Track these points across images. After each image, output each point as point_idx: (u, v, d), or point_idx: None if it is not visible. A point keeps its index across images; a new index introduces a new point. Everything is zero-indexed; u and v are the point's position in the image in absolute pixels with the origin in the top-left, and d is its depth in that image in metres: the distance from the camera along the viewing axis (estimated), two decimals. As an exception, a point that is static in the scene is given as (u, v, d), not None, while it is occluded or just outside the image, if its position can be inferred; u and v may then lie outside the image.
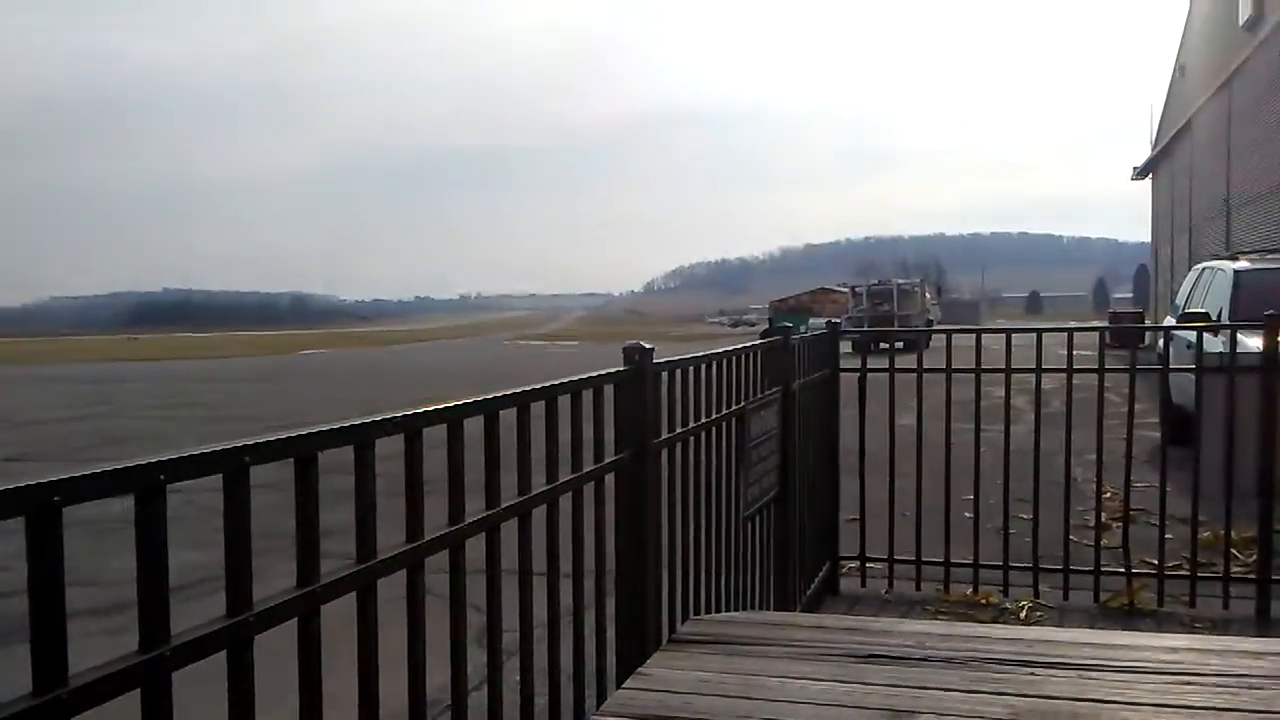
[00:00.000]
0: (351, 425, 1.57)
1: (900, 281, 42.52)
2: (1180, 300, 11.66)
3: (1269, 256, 10.49)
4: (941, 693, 2.23)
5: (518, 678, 2.20)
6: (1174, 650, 2.52)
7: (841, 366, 5.54)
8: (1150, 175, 35.69)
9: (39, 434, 14.46)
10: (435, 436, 1.81)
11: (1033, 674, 2.34)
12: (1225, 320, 8.53)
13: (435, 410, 1.78)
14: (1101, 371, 5.03)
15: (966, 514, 5.41)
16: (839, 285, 61.77)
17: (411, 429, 1.72)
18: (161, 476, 1.20)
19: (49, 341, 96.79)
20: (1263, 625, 4.72)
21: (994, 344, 5.23)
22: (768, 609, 4.08)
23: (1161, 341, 9.38)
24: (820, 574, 5.24)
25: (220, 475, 1.33)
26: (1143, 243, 42.22)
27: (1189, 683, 2.28)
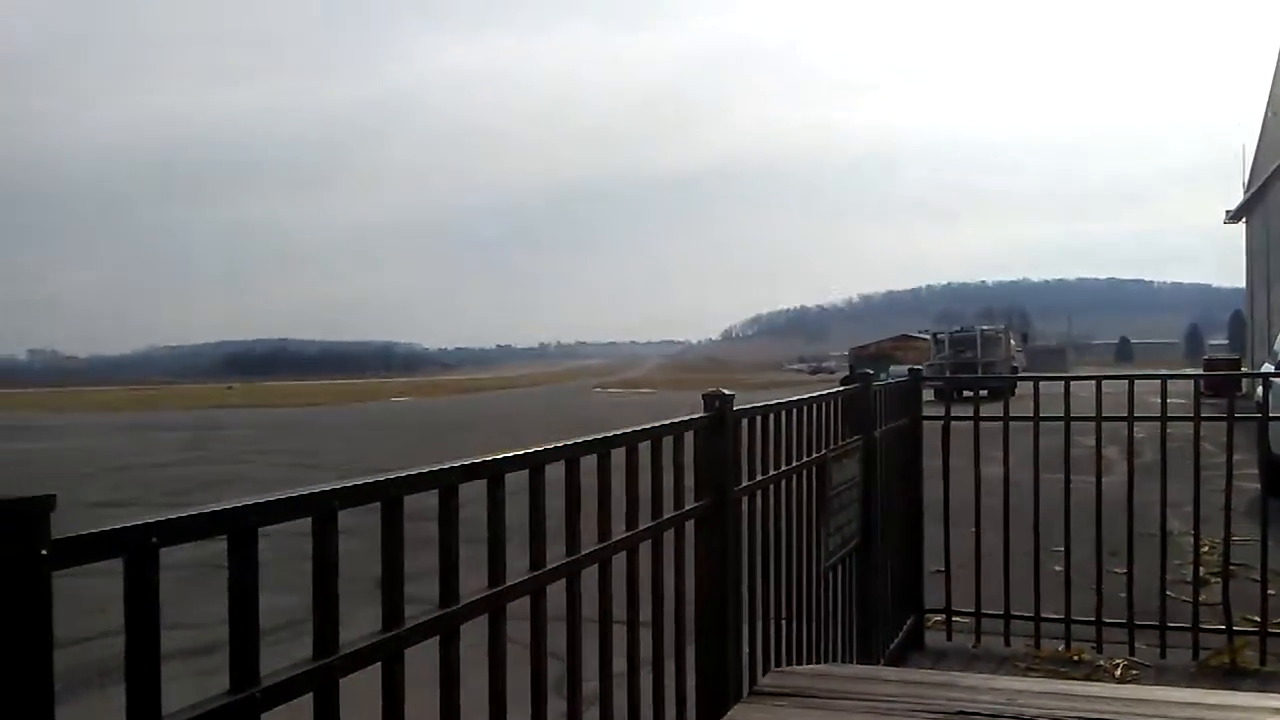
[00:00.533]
0: (437, 470, 1.59)
1: (984, 328, 41.76)
2: (1279, 346, 11.27)
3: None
4: (1034, 752, 2.16)
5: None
6: (1279, 711, 2.40)
7: (924, 414, 5.45)
8: (1244, 218, 34.71)
9: (132, 478, 14.91)
10: (514, 483, 1.82)
11: (1131, 735, 2.25)
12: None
13: (518, 455, 1.80)
14: (1198, 420, 4.87)
15: (1056, 567, 5.26)
16: (920, 332, 60.98)
17: (495, 474, 1.74)
18: (254, 519, 1.23)
19: (151, 389, 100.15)
20: (1376, 687, 4.48)
21: (1080, 393, 5.10)
22: (850, 662, 4.00)
23: (1260, 389, 9.06)
24: (904, 627, 5.12)
25: (309, 519, 1.36)
26: (1237, 288, 40.94)
27: (1298, 747, 2.17)
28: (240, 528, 1.23)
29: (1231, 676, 4.69)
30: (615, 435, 2.19)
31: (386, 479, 1.48)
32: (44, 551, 0.97)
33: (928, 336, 46.84)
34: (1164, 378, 5.07)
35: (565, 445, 1.98)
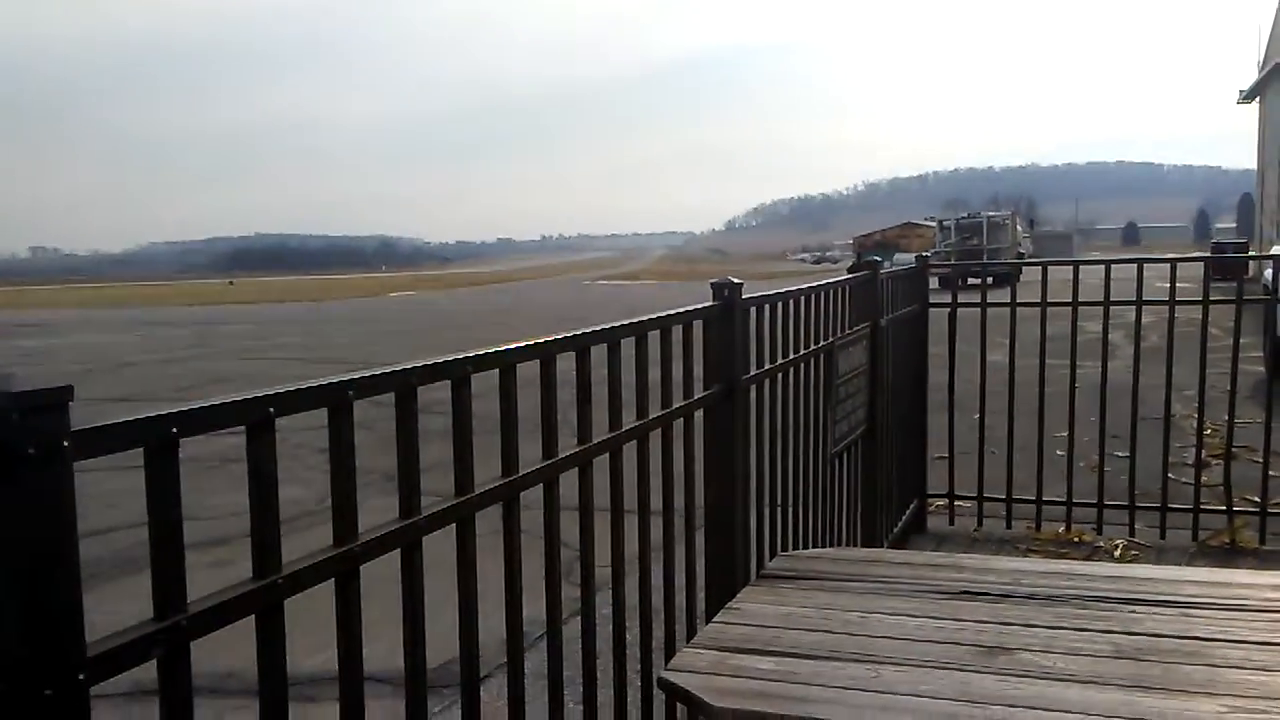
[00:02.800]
0: (449, 360, 1.59)
1: (990, 214, 41.28)
2: (1289, 229, 11.16)
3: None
4: (1039, 629, 2.21)
5: (608, 611, 2.24)
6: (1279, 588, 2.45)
7: (931, 302, 5.44)
8: (1258, 99, 34.03)
9: (142, 374, 15.00)
10: (523, 376, 1.82)
11: (1134, 612, 2.30)
12: (1338, 250, 8.16)
13: (529, 346, 1.80)
14: (1206, 303, 4.84)
15: (1059, 452, 5.31)
16: (926, 219, 60.45)
17: (506, 364, 1.74)
18: (271, 409, 1.24)
19: (150, 286, 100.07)
20: (1372, 565, 4.56)
21: (1087, 279, 5.07)
22: (855, 546, 4.07)
23: (1269, 272, 9.01)
24: (908, 512, 5.20)
25: (325, 409, 1.36)
26: (1248, 170, 40.36)
27: (1297, 622, 2.21)
28: (258, 418, 1.23)
29: (1231, 555, 4.77)
30: (624, 324, 2.18)
31: (400, 369, 1.49)
32: (65, 442, 0.98)
33: (933, 224, 46.41)
34: (1173, 261, 5.03)
35: (575, 335, 1.98)
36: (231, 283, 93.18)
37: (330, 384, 1.35)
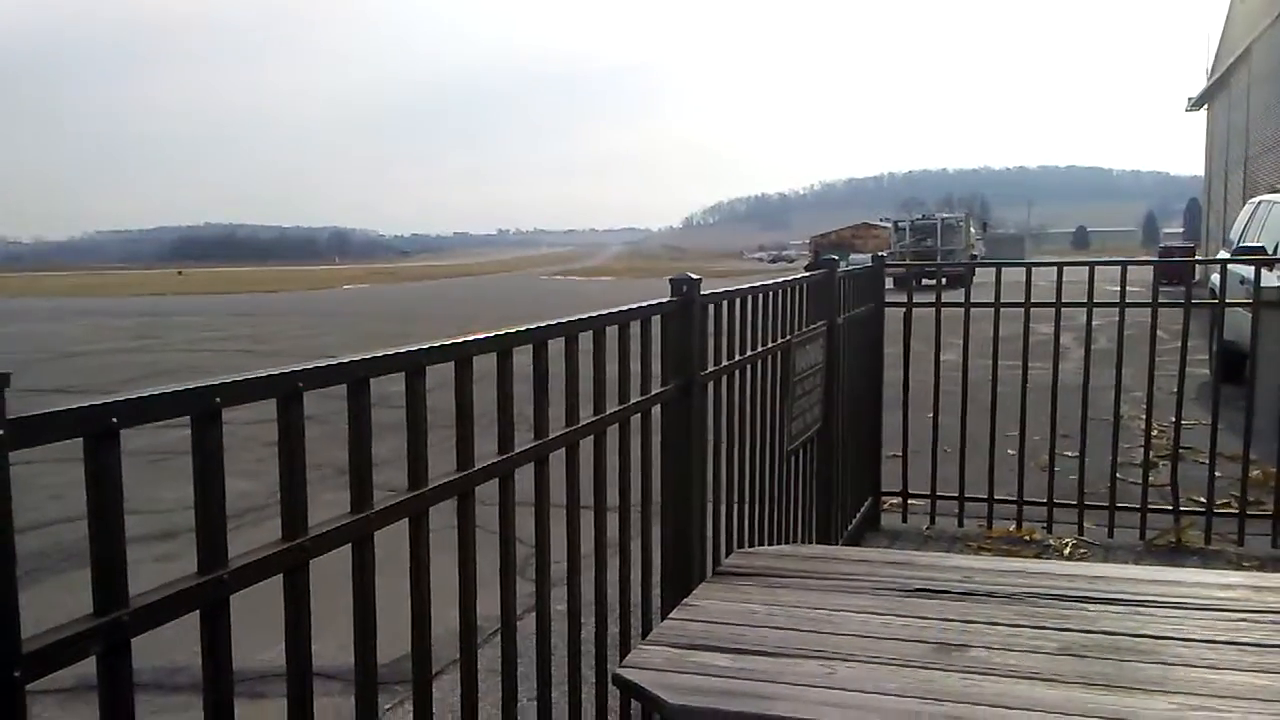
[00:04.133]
0: (403, 352, 1.56)
1: (944, 216, 41.81)
2: (1235, 235, 11.39)
3: (1329, 190, 10.19)
4: (993, 626, 2.22)
5: (562, 608, 2.21)
6: (1229, 587, 2.48)
7: (886, 301, 5.47)
8: (1206, 106, 34.71)
9: (85, 365, 14.71)
10: (479, 370, 1.79)
11: (1085, 609, 2.32)
12: (1282, 255, 8.33)
13: (485, 338, 1.77)
14: (1155, 306, 4.92)
15: (1010, 451, 5.37)
16: (881, 220, 60.93)
17: (462, 356, 1.71)
18: (218, 399, 1.20)
19: (96, 275, 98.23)
20: (1313, 564, 4.66)
21: (1038, 281, 5.12)
22: (810, 543, 4.07)
23: (1215, 277, 9.18)
24: (862, 509, 5.23)
25: (274, 400, 1.32)
26: (1196, 176, 41.16)
27: (1245, 619, 2.24)
28: (204, 408, 1.19)
29: (1177, 555, 4.85)
30: (582, 319, 2.16)
31: (353, 360, 1.45)
32: (1, 431, 0.93)
33: (889, 224, 46.83)
34: (1123, 264, 5.10)
35: (533, 328, 1.95)
36: (181, 272, 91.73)
37: (280, 374, 1.31)
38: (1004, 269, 5.34)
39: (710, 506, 2.96)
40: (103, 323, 24.60)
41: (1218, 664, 2.01)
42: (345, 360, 1.44)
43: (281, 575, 1.34)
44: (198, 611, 1.20)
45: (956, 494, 5.32)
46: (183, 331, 21.22)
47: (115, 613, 1.08)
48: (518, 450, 1.91)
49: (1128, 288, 4.86)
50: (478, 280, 63.20)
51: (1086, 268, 5.05)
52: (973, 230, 41.87)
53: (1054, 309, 5.04)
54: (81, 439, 1.05)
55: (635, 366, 2.47)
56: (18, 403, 0.98)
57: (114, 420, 1.06)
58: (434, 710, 1.67)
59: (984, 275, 5.57)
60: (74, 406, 1.03)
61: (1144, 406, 5.15)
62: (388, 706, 3.29)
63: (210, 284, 58.29)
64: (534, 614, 2.10)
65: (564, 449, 2.11)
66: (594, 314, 2.22)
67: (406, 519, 1.60)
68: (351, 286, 52.15)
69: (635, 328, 2.45)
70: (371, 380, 1.49)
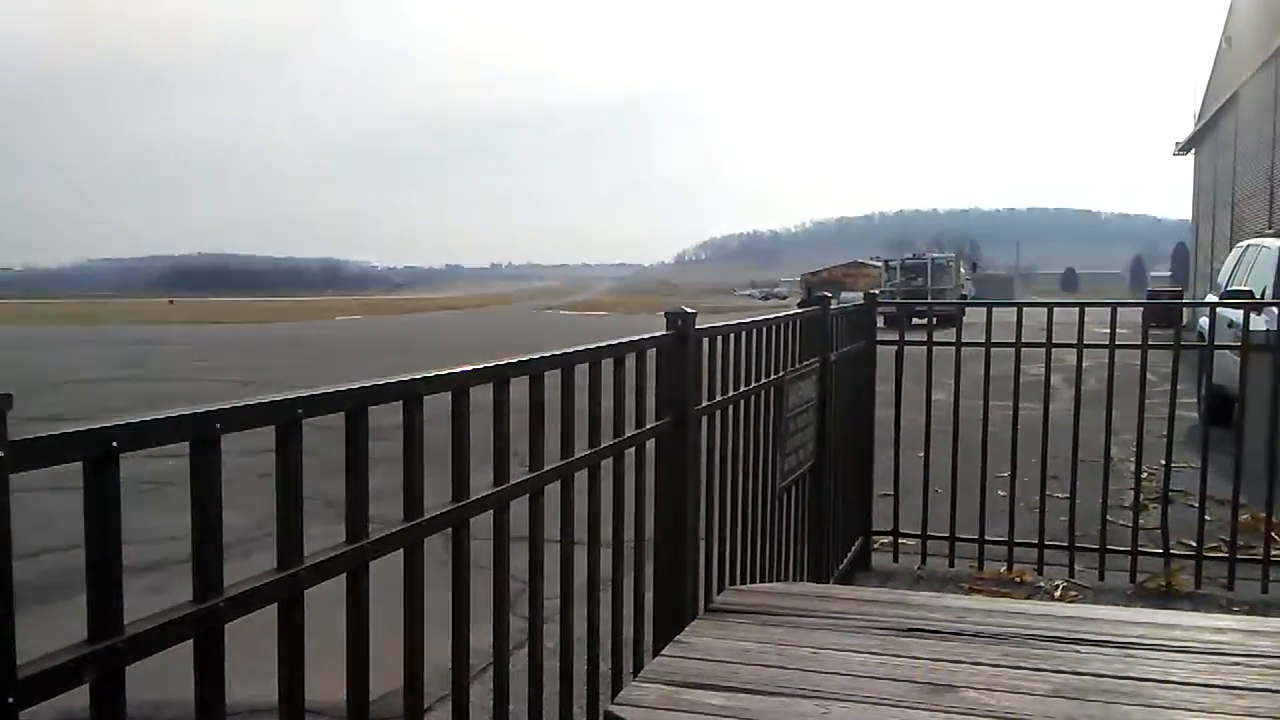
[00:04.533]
0: (401, 381, 1.56)
1: (935, 256, 42.01)
2: (1223, 278, 11.48)
3: (1315, 235, 10.28)
4: (985, 667, 2.21)
5: (553, 644, 2.20)
6: (1220, 630, 2.48)
7: (878, 339, 5.49)
8: (1193, 151, 35.07)
9: (75, 394, 14.62)
10: (474, 403, 1.79)
11: (1077, 651, 2.31)
12: (1270, 298, 8.39)
13: (482, 369, 1.77)
14: (1145, 348, 4.94)
15: (1001, 492, 5.37)
16: (872, 259, 61.26)
17: (459, 386, 1.71)
18: (217, 425, 1.20)
19: (88, 303, 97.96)
20: (1303, 609, 4.65)
21: (1028, 322, 5.15)
22: (802, 581, 4.06)
23: (1204, 320, 9.24)
24: (853, 548, 5.21)
25: (272, 427, 1.32)
26: (1183, 220, 41.51)
27: (1237, 663, 2.24)
28: (203, 434, 1.19)
29: (1167, 598, 4.84)
30: (579, 351, 2.16)
31: (351, 388, 1.45)
32: (1, 454, 0.93)
33: (879, 263, 47.08)
34: (1114, 306, 5.13)
35: (529, 360, 1.95)
36: (172, 302, 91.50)
37: (279, 401, 1.31)
38: (993, 310, 5.37)
39: (703, 543, 2.95)
40: (94, 351, 24.49)
41: (1207, 707, 2.01)
42: (344, 388, 1.44)
43: (275, 606, 1.33)
44: (190, 641, 1.20)
45: (948, 534, 5.31)
46: (175, 361, 21.14)
47: (111, 639, 1.07)
48: (513, 482, 1.91)
49: (1117, 330, 4.89)
50: (471, 314, 63.22)
51: (1076, 309, 5.08)
52: (962, 270, 42.10)
53: (1044, 349, 5.06)
54: (81, 463, 1.05)
55: (629, 400, 2.48)
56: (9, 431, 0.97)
57: (114, 444, 1.06)
58: (424, 746, 1.66)
59: (974, 316, 5.60)
60: (74, 430, 1.03)
61: (1134, 449, 5.16)
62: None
63: (202, 314, 58.15)
64: (525, 649, 2.08)
65: (559, 482, 2.10)
66: (590, 346, 2.22)
67: (401, 550, 1.59)
68: (344, 318, 52.08)
69: (630, 361, 2.45)
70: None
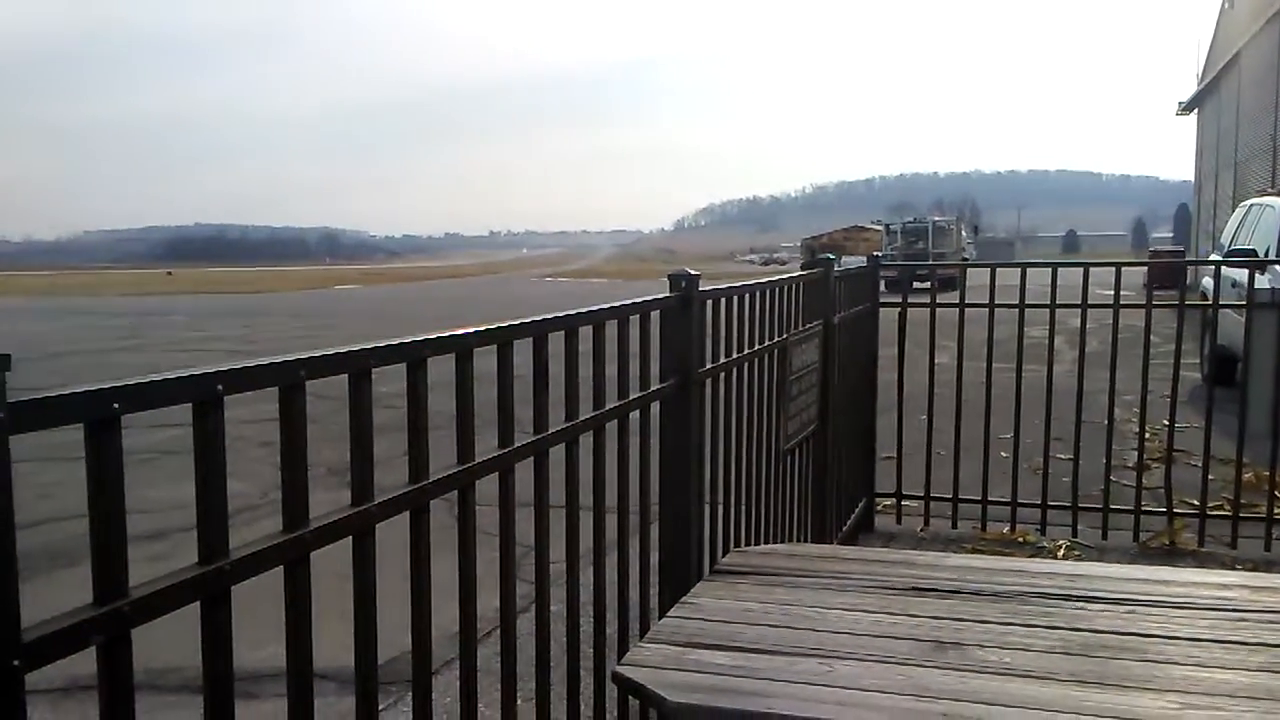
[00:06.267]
0: (404, 342, 1.55)
1: (936, 219, 41.89)
2: (1226, 238, 11.43)
3: (1319, 194, 10.23)
4: (989, 625, 2.21)
5: (559, 607, 2.20)
6: (1224, 587, 2.48)
7: (881, 301, 5.47)
8: (1196, 110, 34.86)
9: (73, 365, 14.63)
10: (477, 371, 1.77)
11: (1081, 608, 2.32)
12: (1275, 257, 8.36)
13: (486, 330, 1.76)
14: (1149, 307, 4.92)
15: (1004, 453, 5.37)
16: (873, 223, 61.05)
17: (463, 348, 1.70)
18: (220, 387, 1.18)
19: (84, 274, 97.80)
20: (1305, 566, 4.67)
21: (1031, 283, 5.12)
22: (805, 542, 4.07)
23: (1207, 280, 9.21)
24: (856, 510, 5.22)
25: (275, 388, 1.31)
26: (1185, 181, 41.34)
27: (1241, 619, 2.24)
28: (207, 395, 1.18)
29: (1170, 557, 4.85)
30: (582, 313, 2.15)
31: (354, 350, 1.44)
32: (1, 414, 0.92)
33: (880, 228, 46.91)
34: (1118, 265, 5.11)
35: (533, 321, 1.94)
36: (170, 273, 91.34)
37: (282, 362, 1.30)
38: (996, 272, 5.34)
39: (707, 505, 2.95)
40: (92, 322, 24.49)
41: (1210, 663, 2.01)
42: (347, 350, 1.42)
43: (281, 568, 1.32)
44: (197, 604, 1.19)
45: (951, 496, 5.32)
46: (173, 331, 21.14)
47: (116, 603, 1.06)
48: (518, 445, 1.90)
49: (1121, 292, 4.87)
50: (470, 281, 63.11)
51: (1079, 270, 5.06)
52: (964, 233, 41.97)
53: (1048, 310, 5.04)
54: (83, 425, 1.04)
55: (635, 364, 2.46)
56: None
57: (115, 406, 1.05)
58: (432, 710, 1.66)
59: (975, 279, 5.57)
60: (76, 390, 1.02)
61: (1137, 409, 5.15)
62: (382, 707, 3.27)
63: (200, 284, 58.07)
64: (531, 613, 2.08)
65: (564, 444, 2.09)
66: (594, 308, 2.21)
67: (408, 513, 1.59)
68: (343, 287, 52.01)
69: (634, 324, 2.44)
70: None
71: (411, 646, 1.62)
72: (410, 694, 1.66)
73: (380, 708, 3.24)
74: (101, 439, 1.05)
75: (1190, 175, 36.99)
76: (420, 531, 1.61)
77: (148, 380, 1.10)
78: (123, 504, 1.07)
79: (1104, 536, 5.07)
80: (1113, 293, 4.90)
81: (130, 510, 1.10)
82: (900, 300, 5.32)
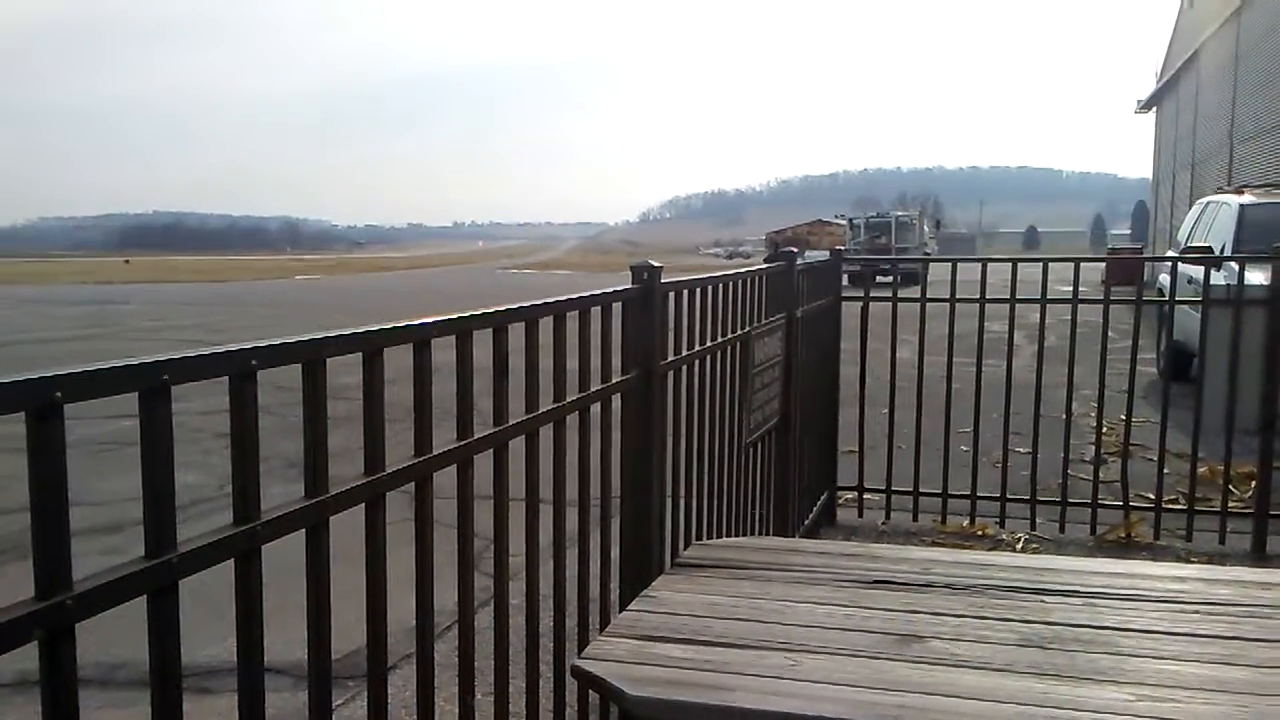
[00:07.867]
0: (361, 332, 1.51)
1: (899, 214, 42.10)
2: (1183, 235, 11.59)
3: (1274, 191, 10.39)
4: (951, 618, 2.22)
5: (519, 601, 2.18)
6: (1181, 580, 2.51)
7: (844, 295, 5.49)
8: (1155, 109, 35.31)
9: (22, 355, 14.38)
10: (436, 362, 1.75)
11: (1041, 601, 2.33)
12: (1230, 254, 8.48)
13: (445, 321, 1.73)
14: (1107, 303, 4.98)
15: (964, 447, 5.41)
16: (836, 217, 61.32)
17: (421, 338, 1.67)
18: (166, 376, 1.15)
19: (41, 262, 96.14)
20: (1259, 559, 4.74)
21: (992, 278, 5.16)
22: (767, 536, 4.07)
23: (1164, 277, 9.34)
24: (818, 503, 5.24)
25: (226, 378, 1.28)
26: (1144, 178, 41.89)
27: (1198, 611, 2.27)
28: (152, 384, 1.14)
29: (1126, 550, 4.92)
30: (544, 304, 2.12)
31: (308, 339, 1.40)
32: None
33: (843, 221, 47.13)
34: (1077, 261, 5.16)
35: (493, 312, 1.91)
36: (128, 261, 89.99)
37: (233, 351, 1.27)
38: (957, 267, 5.37)
39: (669, 498, 2.93)
40: (48, 311, 24.07)
41: (1169, 654, 2.03)
42: (301, 339, 1.39)
43: (232, 562, 1.29)
44: (144, 598, 1.16)
45: (911, 489, 5.35)
46: (131, 320, 20.83)
47: (59, 596, 1.03)
48: (476, 437, 1.88)
49: (1079, 288, 4.91)
50: (434, 272, 62.70)
51: (1039, 265, 5.10)
52: (926, 228, 42.24)
53: (1008, 305, 5.08)
54: (23, 413, 1.01)
55: (595, 357, 2.44)
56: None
57: (58, 394, 1.01)
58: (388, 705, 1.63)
59: (936, 275, 5.60)
60: (16, 379, 0.98)
61: (1095, 404, 5.21)
62: (339, 702, 3.23)
63: (158, 273, 57.27)
64: (490, 607, 2.06)
65: (524, 436, 2.07)
66: (555, 299, 2.19)
67: (363, 505, 1.56)
68: (304, 278, 51.47)
69: (596, 316, 2.42)
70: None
71: (366, 641, 1.59)
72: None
73: (337, 703, 3.22)
74: (43, 428, 1.02)
75: (1149, 173, 37.48)
76: (376, 524, 1.58)
77: (92, 368, 1.06)
78: (65, 495, 1.04)
79: (1061, 530, 5.12)
80: (1071, 288, 4.95)
81: (86, 502, 1.07)
82: (863, 294, 5.34)
